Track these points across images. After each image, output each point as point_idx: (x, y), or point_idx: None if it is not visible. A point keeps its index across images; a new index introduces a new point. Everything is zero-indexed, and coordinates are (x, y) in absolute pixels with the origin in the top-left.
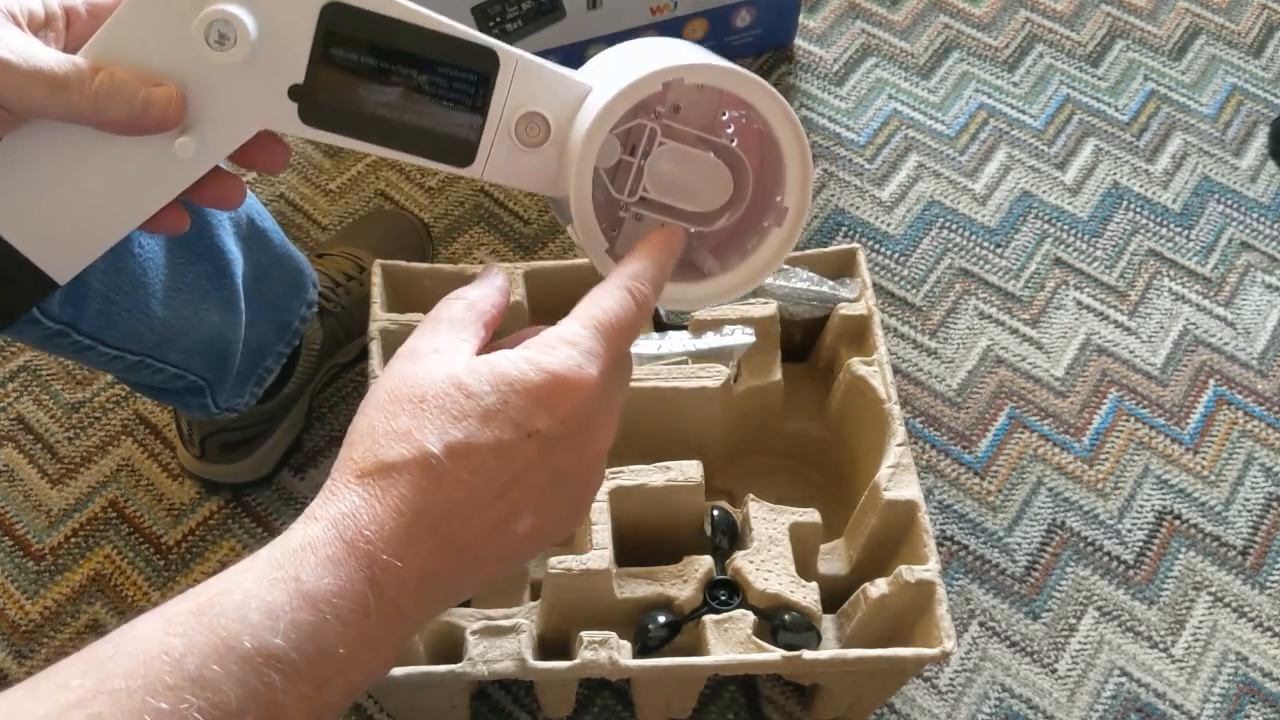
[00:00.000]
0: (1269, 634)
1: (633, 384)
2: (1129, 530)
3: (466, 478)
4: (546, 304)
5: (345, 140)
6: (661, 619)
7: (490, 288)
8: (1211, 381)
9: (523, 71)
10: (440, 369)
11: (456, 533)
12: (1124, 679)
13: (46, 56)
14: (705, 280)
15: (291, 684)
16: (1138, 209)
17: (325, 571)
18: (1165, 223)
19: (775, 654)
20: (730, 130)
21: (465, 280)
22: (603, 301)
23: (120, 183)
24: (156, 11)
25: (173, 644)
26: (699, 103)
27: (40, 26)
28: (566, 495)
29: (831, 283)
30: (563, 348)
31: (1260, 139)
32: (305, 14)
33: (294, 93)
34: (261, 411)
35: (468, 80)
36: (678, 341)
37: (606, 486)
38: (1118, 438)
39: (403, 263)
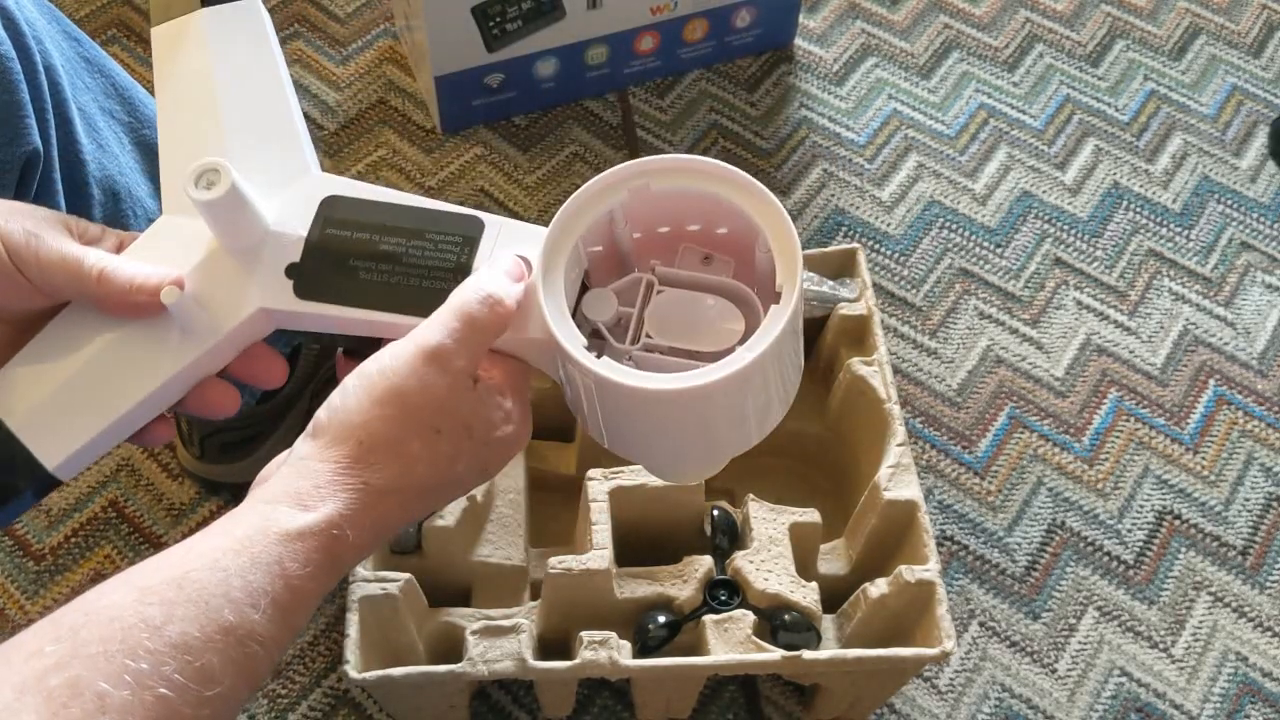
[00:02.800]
0: (1269, 634)
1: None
2: (1129, 530)
3: (429, 504)
4: None
5: (340, 310)
6: (661, 619)
7: (513, 291)
8: (1211, 381)
9: (507, 230)
10: (461, 406)
11: (393, 532)
12: (1124, 679)
13: (65, 248)
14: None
15: (267, 653)
16: (1138, 209)
17: (306, 561)
18: (1165, 223)
19: (775, 654)
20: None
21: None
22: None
23: (128, 361)
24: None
25: (150, 613)
26: (696, 237)
27: (93, 241)
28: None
29: (831, 283)
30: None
31: (1260, 139)
32: (307, 207)
33: (290, 271)
34: (261, 412)
35: (454, 242)
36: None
37: (606, 486)
38: (1118, 438)
39: None
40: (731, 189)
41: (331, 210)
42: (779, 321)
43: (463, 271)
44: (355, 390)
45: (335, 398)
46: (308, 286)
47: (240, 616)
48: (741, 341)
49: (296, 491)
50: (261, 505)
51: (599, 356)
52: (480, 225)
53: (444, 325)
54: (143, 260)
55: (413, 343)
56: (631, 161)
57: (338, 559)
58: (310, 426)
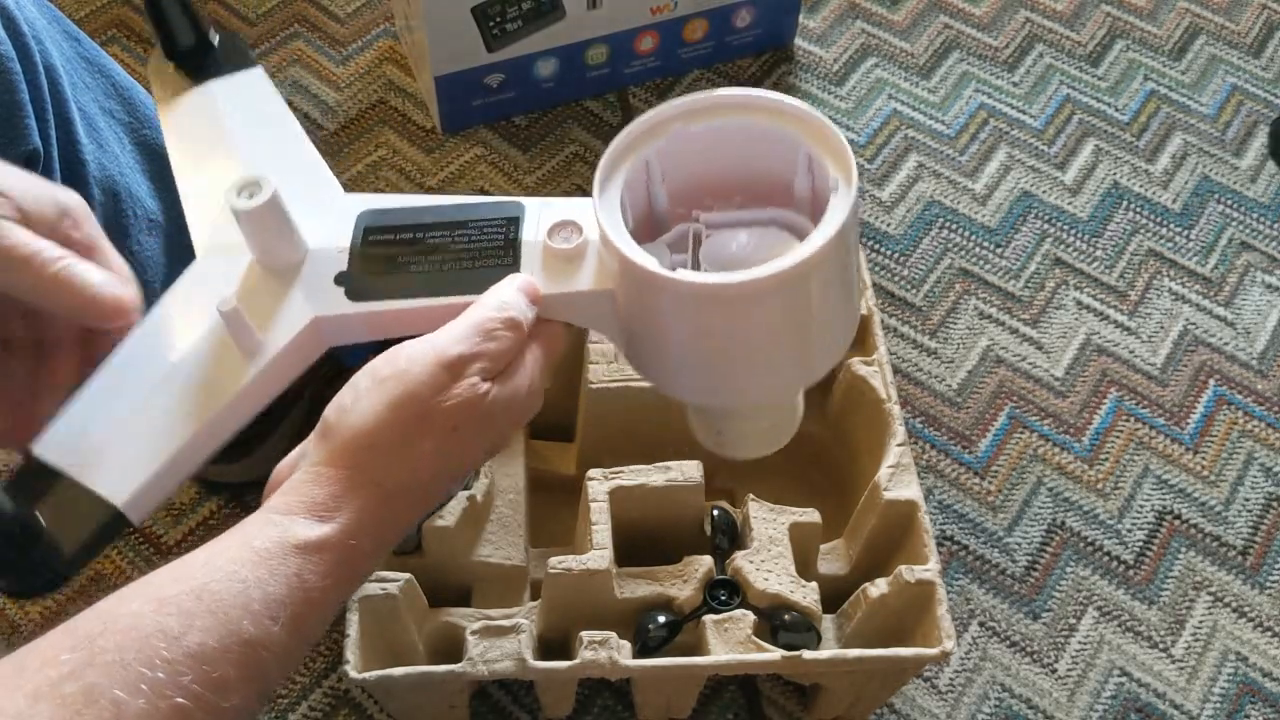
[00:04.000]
0: (1269, 634)
1: (633, 384)
2: (1129, 530)
3: (443, 494)
4: None
5: (396, 304)
6: (661, 619)
7: (521, 304)
8: (1211, 381)
9: (549, 206)
10: (474, 407)
11: (422, 512)
12: (1124, 679)
13: (17, 236)
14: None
15: (281, 664)
16: (1138, 209)
17: (327, 573)
18: (1165, 223)
19: (775, 654)
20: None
21: None
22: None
23: (187, 389)
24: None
25: (169, 623)
26: (740, 176)
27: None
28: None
29: None
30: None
31: (1260, 139)
32: (342, 222)
33: (339, 279)
34: (261, 412)
35: (498, 225)
36: None
37: (606, 486)
38: (1118, 438)
39: None
40: (764, 114)
41: (369, 220)
42: (845, 205)
43: (512, 247)
44: (368, 392)
45: (345, 397)
46: (359, 289)
47: (259, 629)
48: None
49: (312, 502)
50: (278, 517)
51: None
52: (520, 207)
53: (463, 337)
54: (189, 295)
55: (430, 347)
56: (664, 105)
57: (356, 569)
58: (320, 426)
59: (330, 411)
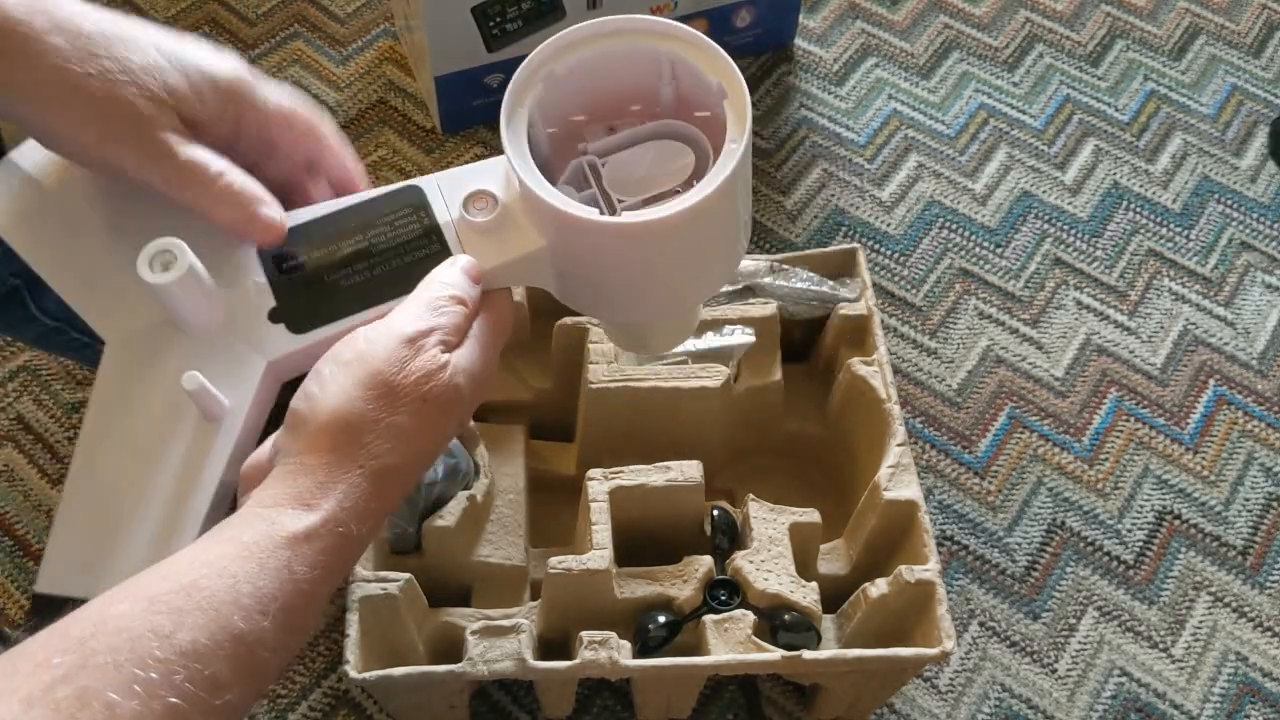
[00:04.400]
0: (1269, 634)
1: (633, 384)
2: (1129, 530)
3: (424, 467)
4: (547, 305)
5: (344, 324)
6: (661, 619)
7: (462, 289)
8: (1211, 381)
9: (446, 180)
10: (443, 375)
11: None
12: (1124, 679)
13: (189, 151)
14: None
15: (276, 657)
16: (1138, 209)
17: (314, 564)
18: (1165, 223)
19: (775, 654)
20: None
21: None
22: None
23: (173, 481)
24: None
25: (160, 622)
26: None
27: (236, 118)
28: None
29: (831, 283)
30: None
31: (1260, 139)
32: (242, 258)
33: (274, 315)
34: None
35: (407, 214)
36: None
37: (606, 486)
38: (1118, 438)
39: None
40: (620, 38)
41: (269, 250)
42: (742, 106)
43: (435, 232)
44: (334, 377)
45: (311, 385)
46: (299, 321)
47: (250, 623)
48: (696, 169)
49: (298, 492)
50: (264, 510)
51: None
52: (418, 189)
53: (417, 315)
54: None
55: (388, 327)
56: (531, 54)
57: (345, 556)
58: (288, 418)
59: (298, 402)
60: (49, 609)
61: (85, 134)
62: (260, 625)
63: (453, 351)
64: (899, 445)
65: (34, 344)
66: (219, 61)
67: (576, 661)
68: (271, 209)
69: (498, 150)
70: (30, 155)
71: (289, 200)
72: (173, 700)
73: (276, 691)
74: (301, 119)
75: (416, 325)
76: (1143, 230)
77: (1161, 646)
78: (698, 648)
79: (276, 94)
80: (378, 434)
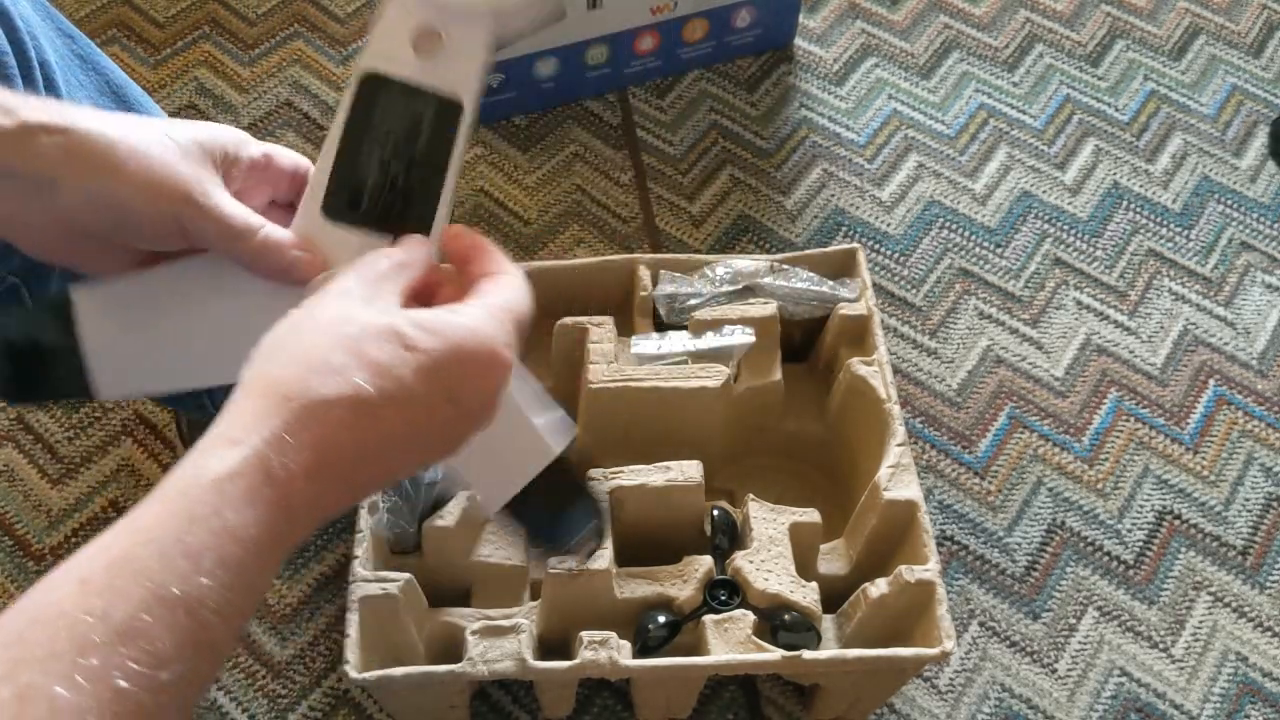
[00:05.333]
0: (1269, 634)
1: (632, 384)
2: (1129, 530)
3: (387, 427)
4: (546, 304)
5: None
6: (661, 619)
7: (415, 255)
8: (1211, 381)
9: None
10: (379, 316)
11: (360, 472)
12: (1124, 679)
13: (230, 208)
14: None
15: (224, 620)
16: (1138, 209)
17: (245, 504)
18: (1165, 223)
19: (775, 654)
20: None
21: None
22: (513, 295)
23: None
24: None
25: (93, 603)
26: None
27: (231, 165)
28: (444, 452)
29: (831, 283)
30: (495, 323)
31: (1260, 139)
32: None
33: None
34: None
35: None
36: (677, 341)
37: (606, 487)
38: (1118, 438)
39: None
40: None
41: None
42: None
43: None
44: (280, 326)
45: (263, 340)
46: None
47: (187, 585)
48: None
49: (226, 430)
50: (192, 454)
51: None
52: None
53: (352, 271)
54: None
55: (330, 287)
56: None
57: (283, 498)
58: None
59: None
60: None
61: (139, 200)
62: (199, 585)
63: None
64: (899, 445)
65: None
66: (216, 126)
67: (576, 662)
68: (299, 250)
69: (497, 151)
70: None
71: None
72: (119, 684)
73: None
74: (284, 154)
75: (351, 281)
76: (1143, 230)
77: (1161, 646)
78: (698, 648)
79: (261, 145)
80: (312, 366)
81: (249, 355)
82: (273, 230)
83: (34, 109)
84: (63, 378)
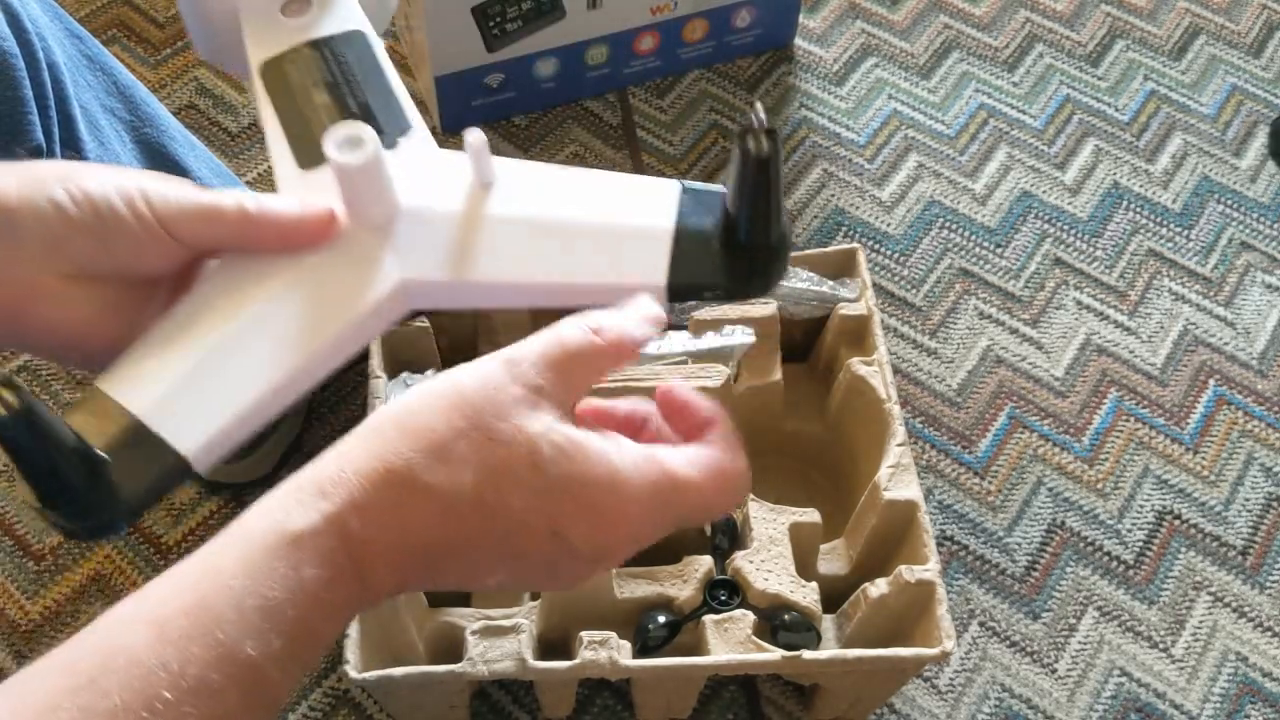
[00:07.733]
0: (1269, 634)
1: (632, 384)
2: (1129, 530)
3: (476, 537)
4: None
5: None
6: (661, 619)
7: (632, 323)
8: (1211, 381)
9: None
10: (528, 420)
11: (446, 563)
12: (1124, 679)
13: (198, 195)
14: None
15: (287, 675)
16: (1138, 209)
17: (324, 563)
18: (1165, 223)
19: (775, 654)
20: None
21: None
22: (714, 458)
23: (263, 341)
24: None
25: (167, 654)
26: None
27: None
28: (550, 582)
29: (831, 283)
30: (645, 483)
31: (1260, 139)
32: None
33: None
34: None
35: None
36: (677, 341)
37: None
38: (1118, 438)
39: None
40: None
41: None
42: None
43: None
44: (437, 382)
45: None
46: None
47: (261, 645)
48: None
49: (312, 481)
50: (274, 504)
51: None
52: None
53: (529, 340)
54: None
55: (495, 352)
56: None
57: (357, 565)
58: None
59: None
60: None
61: (123, 251)
62: (271, 645)
63: (558, 409)
64: (899, 445)
65: None
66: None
67: (576, 662)
68: (296, 202)
69: (497, 151)
70: None
71: None
72: None
73: (285, 703)
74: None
75: (522, 350)
76: (1143, 230)
77: (1161, 646)
78: (698, 648)
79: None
80: (418, 438)
81: (297, 340)
82: (255, 195)
83: None
84: (150, 463)
